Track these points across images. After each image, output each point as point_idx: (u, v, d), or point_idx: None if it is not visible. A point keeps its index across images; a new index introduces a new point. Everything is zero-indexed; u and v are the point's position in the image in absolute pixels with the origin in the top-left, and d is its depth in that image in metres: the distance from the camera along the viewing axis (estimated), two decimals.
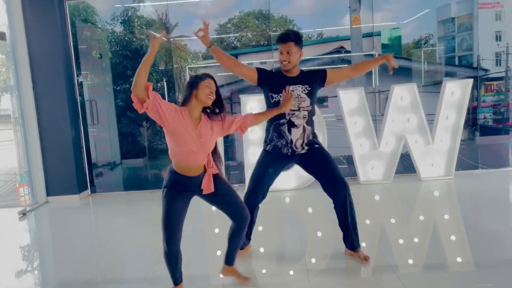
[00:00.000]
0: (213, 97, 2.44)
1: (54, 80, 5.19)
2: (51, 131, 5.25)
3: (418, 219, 3.99)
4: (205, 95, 2.41)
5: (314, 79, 2.97)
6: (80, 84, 6.11)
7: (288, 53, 2.89)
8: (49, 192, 5.33)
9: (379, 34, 13.45)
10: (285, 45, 2.89)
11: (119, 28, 9.09)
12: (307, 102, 2.94)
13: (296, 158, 3.05)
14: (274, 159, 3.07)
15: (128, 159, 7.93)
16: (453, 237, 3.48)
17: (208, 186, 2.52)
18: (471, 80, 4.90)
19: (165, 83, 9.50)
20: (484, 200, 4.52)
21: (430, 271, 2.91)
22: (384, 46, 13.89)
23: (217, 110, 2.52)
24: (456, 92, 4.95)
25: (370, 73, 11.02)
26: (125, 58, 8.83)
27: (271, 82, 2.98)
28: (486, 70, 14.73)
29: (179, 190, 2.50)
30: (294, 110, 2.93)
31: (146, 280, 3.03)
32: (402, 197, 4.83)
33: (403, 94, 4.94)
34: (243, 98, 5.08)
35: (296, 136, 2.96)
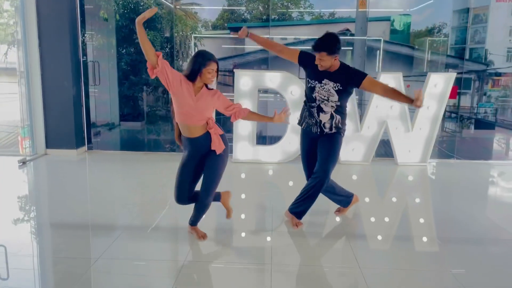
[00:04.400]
0: (215, 79, 2.85)
1: (59, 38, 5.43)
2: (53, 87, 5.53)
3: (390, 200, 4.34)
4: (207, 79, 2.80)
5: (348, 81, 3.15)
6: (84, 44, 6.32)
7: (320, 59, 3.11)
8: (48, 145, 5.66)
9: (388, 19, 13.40)
10: (318, 53, 3.10)
11: None
12: (335, 97, 3.19)
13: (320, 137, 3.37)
14: (308, 136, 3.41)
15: (126, 121, 8.21)
16: (419, 217, 3.82)
17: (216, 145, 2.87)
18: (454, 74, 5.12)
19: (168, 50, 9.66)
20: (453, 186, 4.86)
21: (391, 244, 3.27)
22: (392, 32, 13.85)
23: (209, 87, 2.88)
24: (439, 84, 5.18)
25: (374, 59, 11.14)
26: (132, 21, 8.97)
27: (311, 67, 3.23)
28: (487, 65, 14.75)
29: (189, 151, 2.95)
30: (323, 99, 3.22)
31: (130, 226, 3.38)
32: (378, 178, 5.17)
33: (389, 82, 5.15)
34: (238, 72, 5.32)
35: (324, 119, 3.26)
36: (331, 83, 3.17)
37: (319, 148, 3.35)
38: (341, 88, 3.17)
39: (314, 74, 3.22)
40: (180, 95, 2.77)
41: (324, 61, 3.10)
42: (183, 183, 2.95)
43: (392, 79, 5.17)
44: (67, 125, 5.61)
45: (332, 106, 3.22)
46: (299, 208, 3.41)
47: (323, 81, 3.19)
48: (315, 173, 3.29)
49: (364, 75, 3.14)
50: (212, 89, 2.89)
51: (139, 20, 2.51)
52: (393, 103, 5.23)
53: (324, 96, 3.20)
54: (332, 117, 3.25)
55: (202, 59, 2.76)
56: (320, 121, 3.27)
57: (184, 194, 2.97)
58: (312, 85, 3.24)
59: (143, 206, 3.96)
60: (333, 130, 3.29)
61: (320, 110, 3.25)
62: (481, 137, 8.48)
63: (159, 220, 3.55)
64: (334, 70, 3.18)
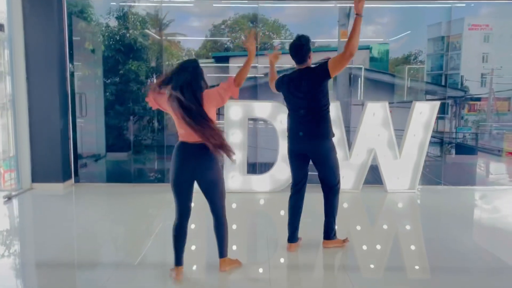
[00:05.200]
0: None
1: (47, 71, 5.40)
2: (40, 120, 5.46)
3: (382, 228, 4.36)
4: None
5: None
6: (72, 75, 6.30)
7: None
8: (34, 179, 5.53)
9: (368, 47, 13.79)
10: None
11: (113, 23, 9.29)
12: None
13: None
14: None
15: (113, 152, 8.13)
16: (411, 244, 3.85)
17: None
18: (438, 102, 5.29)
19: (154, 80, 9.72)
20: (442, 213, 4.89)
21: (386, 273, 3.26)
22: (372, 60, 14.26)
23: None
24: (424, 112, 5.33)
25: (356, 86, 11.38)
26: (118, 52, 9.04)
27: None
28: (465, 91, 15.29)
29: None
30: None
31: (122, 264, 3.29)
32: (369, 206, 5.20)
33: (376, 110, 5.29)
34: (228, 102, 5.36)
35: None
36: None
37: None
38: None
39: None
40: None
41: None
42: None
43: (379, 108, 5.29)
44: (54, 158, 5.51)
45: None
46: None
47: None
48: None
49: None
50: None
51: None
52: (380, 131, 5.35)
53: None
54: None
55: None
56: None
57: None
58: None
59: (134, 241, 3.88)
60: None
61: None
62: (465, 162, 8.68)
63: (151, 256, 3.48)
64: None
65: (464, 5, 6.63)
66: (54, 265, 3.29)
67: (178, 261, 2.95)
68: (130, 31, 9.31)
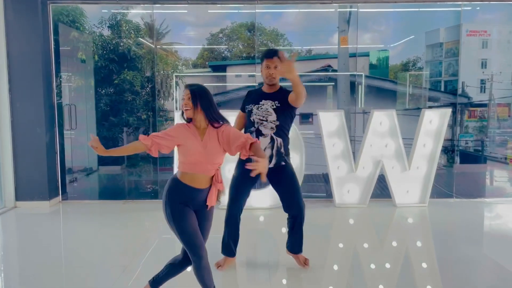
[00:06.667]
0: (188, 107, 2.41)
1: (32, 83, 5.08)
2: (25, 134, 5.12)
3: (391, 245, 4.01)
4: (183, 108, 2.44)
5: (285, 97, 3.10)
6: (60, 86, 5.99)
7: (275, 67, 3.05)
8: (18, 197, 5.17)
9: (367, 54, 13.58)
10: (272, 60, 3.06)
11: (106, 32, 9.01)
12: (273, 116, 3.10)
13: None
14: (246, 169, 3.08)
15: (105, 165, 7.78)
16: (424, 265, 3.50)
17: (211, 199, 2.49)
18: (449, 109, 4.96)
19: (149, 90, 9.43)
20: (456, 229, 4.54)
21: None
22: (372, 67, 14.03)
23: (214, 124, 2.45)
24: (434, 121, 4.99)
25: (356, 94, 11.11)
26: (111, 62, 8.76)
27: (248, 98, 3.28)
28: (468, 98, 14.97)
29: (182, 202, 2.43)
30: (262, 120, 3.10)
31: None
32: (377, 222, 4.84)
33: (382, 119, 4.97)
34: (223, 113, 5.03)
35: (264, 144, 3.09)
36: (269, 102, 3.10)
37: (279, 185, 3.22)
38: (278, 105, 3.08)
39: (251, 99, 3.19)
40: (187, 141, 2.39)
41: (278, 70, 3.03)
42: (199, 237, 2.43)
43: (385, 116, 4.97)
44: (39, 174, 5.16)
45: (272, 128, 3.09)
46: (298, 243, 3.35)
47: (260, 102, 3.13)
48: (293, 210, 3.22)
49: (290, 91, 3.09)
50: (219, 125, 2.45)
51: (101, 152, 2.39)
52: (387, 142, 5.02)
53: (262, 117, 3.10)
54: (272, 140, 3.09)
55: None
56: None
57: (204, 247, 2.44)
58: (249, 109, 3.17)
59: (123, 266, 3.52)
60: (280, 161, 3.13)
61: (259, 133, 3.10)
62: (476, 171, 8.32)
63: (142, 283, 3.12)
64: (274, 91, 3.15)
65: (470, 8, 6.34)
66: None
67: (156, 284, 2.59)
68: (124, 40, 9.04)
